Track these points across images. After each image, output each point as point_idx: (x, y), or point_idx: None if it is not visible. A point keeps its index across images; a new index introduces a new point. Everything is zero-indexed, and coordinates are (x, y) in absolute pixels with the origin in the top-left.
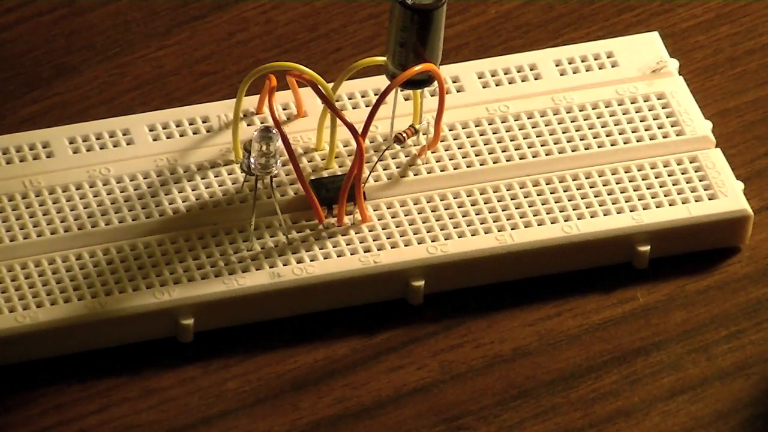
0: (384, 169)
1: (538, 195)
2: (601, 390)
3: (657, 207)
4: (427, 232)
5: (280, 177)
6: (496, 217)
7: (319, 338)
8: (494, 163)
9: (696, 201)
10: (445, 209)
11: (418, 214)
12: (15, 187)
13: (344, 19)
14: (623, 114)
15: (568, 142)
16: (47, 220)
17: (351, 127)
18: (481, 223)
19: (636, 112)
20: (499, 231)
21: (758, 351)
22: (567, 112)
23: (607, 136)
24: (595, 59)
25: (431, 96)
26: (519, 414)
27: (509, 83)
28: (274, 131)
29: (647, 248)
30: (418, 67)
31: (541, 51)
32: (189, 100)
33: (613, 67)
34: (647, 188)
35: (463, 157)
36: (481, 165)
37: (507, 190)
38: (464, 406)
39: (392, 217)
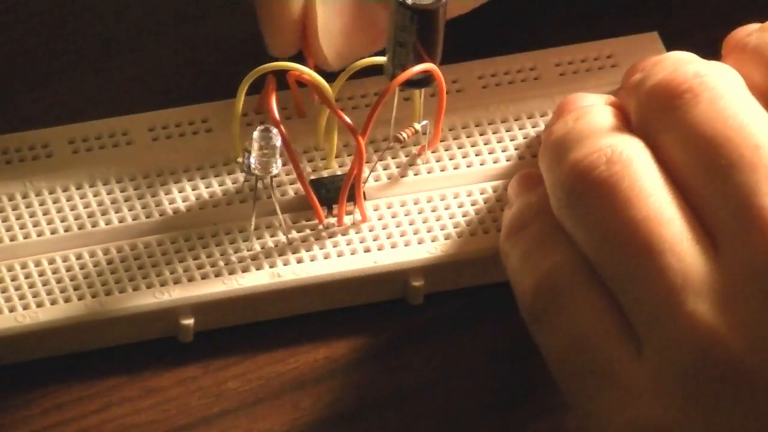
0: (384, 169)
1: None
2: None
3: None
4: (427, 232)
5: (280, 177)
6: (496, 217)
7: (319, 338)
8: (494, 163)
9: None
10: (445, 209)
11: (418, 214)
12: (15, 187)
13: None
14: None
15: None
16: (47, 220)
17: (351, 127)
18: (480, 223)
19: None
20: (499, 231)
21: None
22: None
23: None
24: (595, 59)
25: (431, 96)
26: (520, 413)
27: (509, 83)
28: (274, 131)
29: None
30: (418, 67)
31: (540, 51)
32: (189, 100)
33: (612, 67)
34: None
35: (462, 157)
36: (481, 165)
37: (507, 190)
38: (465, 405)
39: (392, 217)
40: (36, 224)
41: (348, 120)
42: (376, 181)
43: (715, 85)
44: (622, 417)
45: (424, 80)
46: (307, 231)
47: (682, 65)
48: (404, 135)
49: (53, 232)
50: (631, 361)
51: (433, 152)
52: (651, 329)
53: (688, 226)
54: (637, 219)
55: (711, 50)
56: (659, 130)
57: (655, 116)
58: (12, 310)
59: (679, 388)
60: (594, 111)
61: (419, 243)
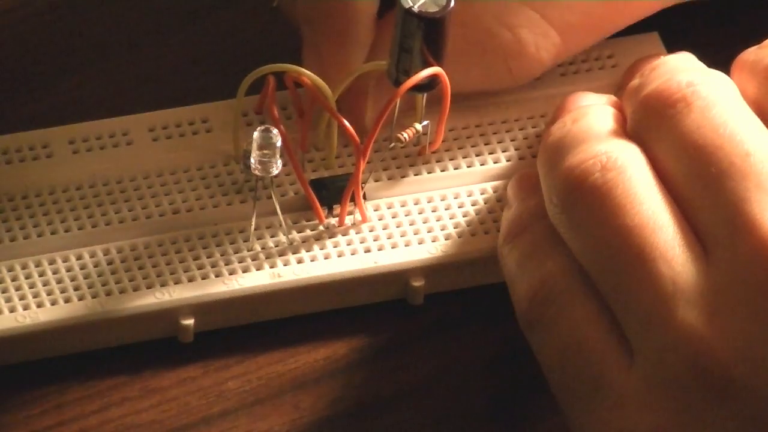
0: (384, 170)
1: None
2: None
3: None
4: (427, 232)
5: (280, 177)
6: (496, 218)
7: (319, 338)
8: (494, 163)
9: None
10: (446, 209)
11: (419, 214)
12: (15, 187)
13: None
14: None
15: None
16: (47, 221)
17: (350, 132)
18: (480, 223)
19: None
20: (499, 231)
21: None
22: None
23: None
24: (595, 60)
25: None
26: (520, 413)
27: None
28: (274, 131)
29: None
30: (425, 72)
31: None
32: (189, 100)
33: (613, 67)
34: None
35: (463, 157)
36: (481, 165)
37: (507, 191)
38: (465, 405)
39: (392, 218)
40: (36, 224)
41: (347, 124)
42: (376, 181)
43: (707, 94)
44: (612, 424)
45: (429, 84)
46: (308, 231)
47: (677, 74)
48: (405, 135)
49: (53, 232)
50: (623, 368)
51: (433, 152)
52: (642, 337)
53: (680, 234)
54: (629, 226)
55: (710, 51)
56: (653, 138)
57: (649, 124)
58: (12, 310)
59: (669, 395)
60: (592, 112)
61: (419, 243)
